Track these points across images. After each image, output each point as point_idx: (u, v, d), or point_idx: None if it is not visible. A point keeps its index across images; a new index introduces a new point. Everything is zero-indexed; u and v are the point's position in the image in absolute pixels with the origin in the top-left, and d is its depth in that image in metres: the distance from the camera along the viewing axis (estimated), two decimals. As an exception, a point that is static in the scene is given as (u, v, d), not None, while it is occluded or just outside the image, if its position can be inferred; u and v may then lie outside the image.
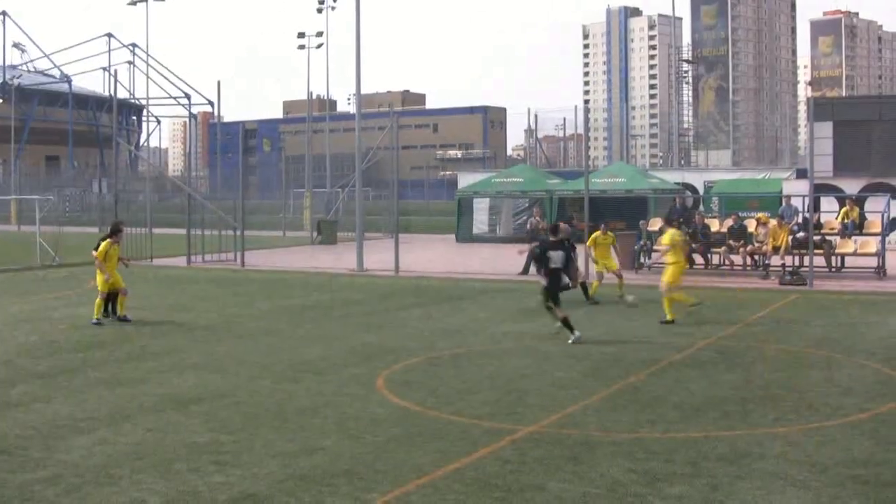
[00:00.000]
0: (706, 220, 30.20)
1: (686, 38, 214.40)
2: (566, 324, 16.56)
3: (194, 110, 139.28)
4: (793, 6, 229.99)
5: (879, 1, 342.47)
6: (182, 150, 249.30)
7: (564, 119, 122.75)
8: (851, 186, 35.77)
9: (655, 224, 31.48)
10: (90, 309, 19.71)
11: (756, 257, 28.43)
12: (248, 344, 16.81)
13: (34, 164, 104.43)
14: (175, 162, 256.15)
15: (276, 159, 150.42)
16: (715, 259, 29.18)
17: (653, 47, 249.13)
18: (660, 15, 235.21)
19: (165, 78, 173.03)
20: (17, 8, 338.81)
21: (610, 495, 8.39)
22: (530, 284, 20.57)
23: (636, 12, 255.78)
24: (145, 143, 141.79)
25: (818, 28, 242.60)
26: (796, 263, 27.31)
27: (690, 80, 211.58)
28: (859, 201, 30.67)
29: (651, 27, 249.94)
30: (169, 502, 8.28)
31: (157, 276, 29.78)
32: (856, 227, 28.70)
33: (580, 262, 21.09)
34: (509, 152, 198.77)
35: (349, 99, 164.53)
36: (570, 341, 16.26)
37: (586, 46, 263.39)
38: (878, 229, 28.59)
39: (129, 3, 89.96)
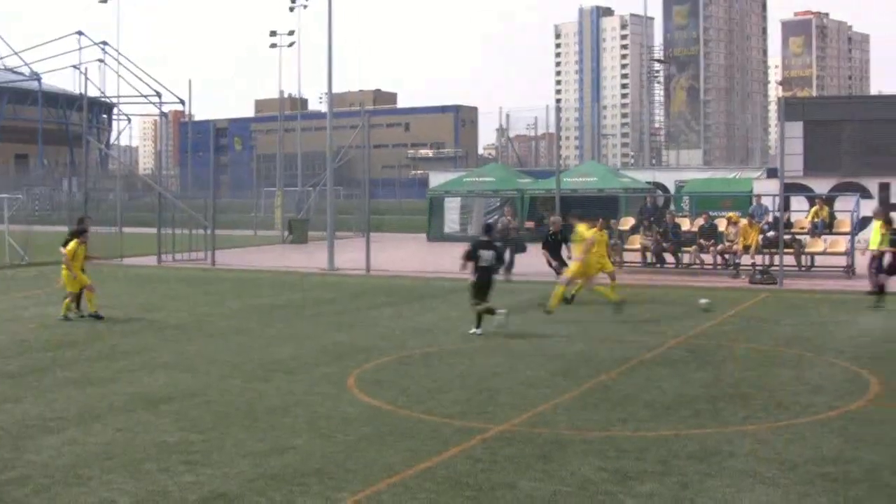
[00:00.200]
0: (677, 220, 30.34)
1: (658, 37, 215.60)
2: (489, 311, 17.26)
3: (165, 109, 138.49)
4: (764, 6, 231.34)
5: (850, 2, 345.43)
6: (153, 149, 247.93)
7: (536, 118, 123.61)
8: (821, 186, 35.96)
9: (627, 223, 31.67)
10: (59, 308, 19.69)
11: (726, 256, 28.56)
12: (219, 343, 16.74)
13: (3, 163, 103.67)
14: (146, 160, 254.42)
15: (247, 158, 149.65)
16: (686, 258, 29.35)
17: (625, 47, 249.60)
18: (632, 15, 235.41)
19: (136, 76, 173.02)
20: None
21: (581, 493, 8.40)
22: (500, 284, 20.57)
23: (608, 12, 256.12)
24: (116, 142, 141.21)
25: (789, 28, 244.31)
26: (766, 262, 27.47)
27: (662, 80, 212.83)
28: (829, 201, 30.83)
29: (623, 27, 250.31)
30: (139, 502, 8.23)
31: (128, 275, 29.65)
32: (826, 227, 28.88)
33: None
34: (481, 151, 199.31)
35: (321, 98, 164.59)
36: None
37: (558, 46, 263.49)
38: (847, 228, 28.82)
39: (99, 1, 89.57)
